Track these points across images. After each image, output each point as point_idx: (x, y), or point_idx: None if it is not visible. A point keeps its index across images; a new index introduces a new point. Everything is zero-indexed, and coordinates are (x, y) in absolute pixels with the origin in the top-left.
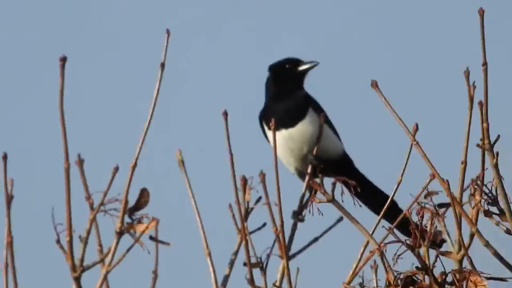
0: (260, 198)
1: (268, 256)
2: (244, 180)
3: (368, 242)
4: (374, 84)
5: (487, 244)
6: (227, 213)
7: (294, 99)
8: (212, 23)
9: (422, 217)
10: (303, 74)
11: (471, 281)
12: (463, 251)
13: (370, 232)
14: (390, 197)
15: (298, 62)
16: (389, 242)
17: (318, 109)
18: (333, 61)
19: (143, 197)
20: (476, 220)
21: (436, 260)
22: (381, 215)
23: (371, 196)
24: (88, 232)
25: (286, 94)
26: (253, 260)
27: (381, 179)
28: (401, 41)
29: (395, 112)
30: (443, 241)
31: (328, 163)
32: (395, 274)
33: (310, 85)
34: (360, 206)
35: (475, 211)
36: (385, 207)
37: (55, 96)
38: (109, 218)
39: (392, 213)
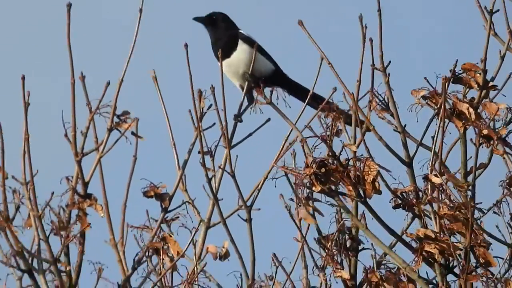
0: (211, 105)
1: (216, 146)
2: (200, 92)
3: (291, 132)
4: (300, 23)
5: (380, 138)
6: (187, 117)
7: (227, 37)
8: None
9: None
10: (224, 21)
11: (366, 165)
12: (359, 142)
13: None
14: (311, 91)
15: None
16: (309, 137)
17: (248, 41)
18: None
19: (126, 112)
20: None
21: (342, 150)
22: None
23: (300, 92)
24: (87, 129)
25: (221, 35)
26: (205, 149)
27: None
28: None
29: (317, 44)
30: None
31: (262, 79)
32: (312, 159)
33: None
34: (290, 107)
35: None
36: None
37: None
38: (103, 119)
39: (315, 101)
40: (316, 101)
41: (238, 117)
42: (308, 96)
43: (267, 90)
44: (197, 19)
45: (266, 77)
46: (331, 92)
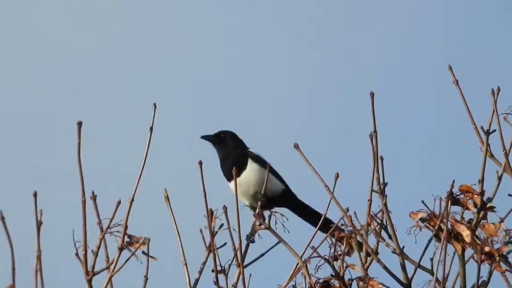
0: (222, 225)
1: (230, 265)
2: (211, 211)
3: (304, 251)
4: (296, 146)
5: (378, 261)
6: (197, 235)
7: (236, 156)
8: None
9: (339, 239)
10: (233, 139)
11: (370, 285)
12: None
13: (300, 255)
14: (323, 215)
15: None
16: (313, 257)
17: (258, 160)
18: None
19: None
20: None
21: (345, 270)
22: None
23: (310, 215)
24: (98, 248)
25: (230, 154)
26: (218, 268)
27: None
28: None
29: (314, 169)
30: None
31: (273, 199)
32: (316, 279)
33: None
34: (289, 232)
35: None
36: (320, 222)
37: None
38: (114, 238)
39: (324, 225)
40: (325, 224)
41: (250, 237)
42: (321, 220)
43: (265, 215)
44: (205, 137)
45: (276, 198)
46: (341, 214)
